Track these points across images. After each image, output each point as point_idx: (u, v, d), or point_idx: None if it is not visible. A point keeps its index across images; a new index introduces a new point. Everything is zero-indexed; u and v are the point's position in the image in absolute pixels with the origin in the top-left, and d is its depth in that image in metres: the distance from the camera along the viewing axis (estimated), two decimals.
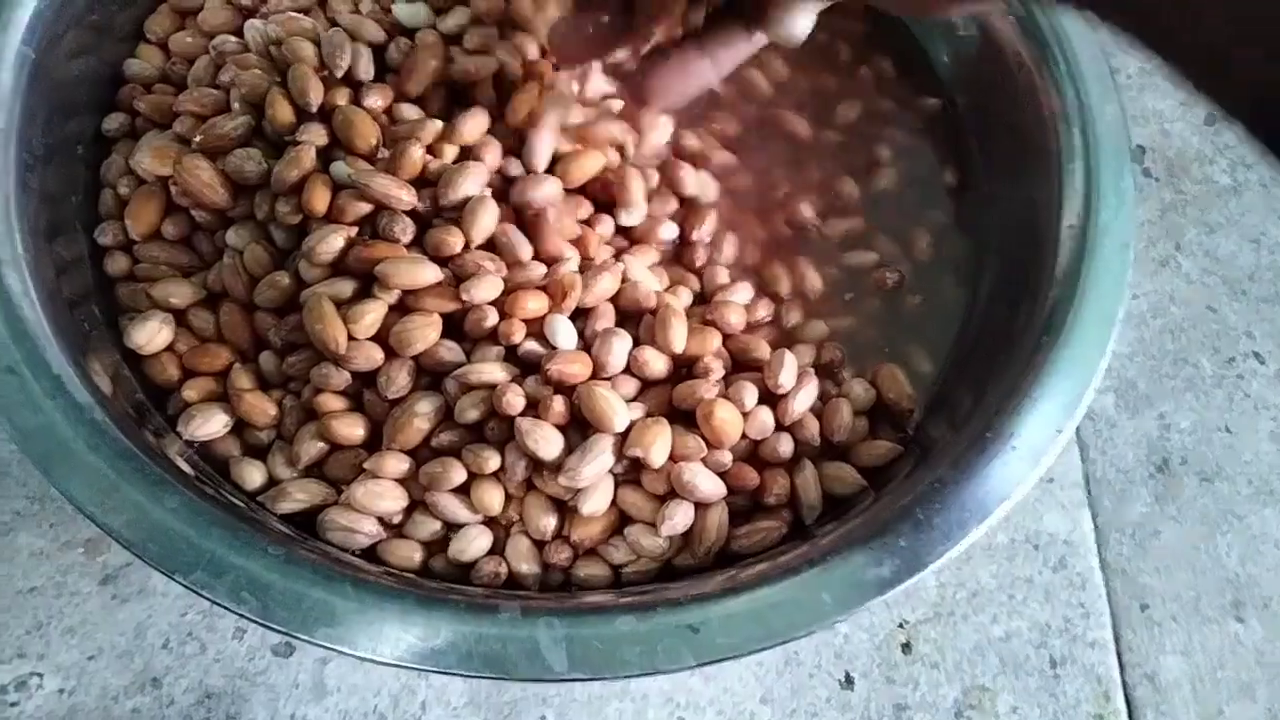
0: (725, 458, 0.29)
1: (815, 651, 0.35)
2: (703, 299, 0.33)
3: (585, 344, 0.30)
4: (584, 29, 0.28)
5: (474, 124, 0.32)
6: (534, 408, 0.28)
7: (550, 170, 0.32)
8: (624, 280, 0.31)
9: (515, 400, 0.28)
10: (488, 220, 0.30)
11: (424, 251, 0.30)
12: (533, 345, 0.29)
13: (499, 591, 0.28)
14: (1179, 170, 0.48)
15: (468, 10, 0.34)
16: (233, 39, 0.34)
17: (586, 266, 0.31)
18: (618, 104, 0.34)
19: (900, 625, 0.36)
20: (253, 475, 0.30)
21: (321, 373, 0.29)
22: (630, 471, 0.29)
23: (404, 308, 0.30)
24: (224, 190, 0.31)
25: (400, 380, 0.29)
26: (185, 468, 0.28)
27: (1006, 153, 0.37)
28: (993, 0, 0.32)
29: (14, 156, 0.31)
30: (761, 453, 0.30)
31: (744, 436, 0.30)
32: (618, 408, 0.28)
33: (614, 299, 0.31)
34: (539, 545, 0.29)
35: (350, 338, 0.29)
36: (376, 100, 0.32)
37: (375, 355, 0.29)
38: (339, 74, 0.32)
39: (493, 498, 0.28)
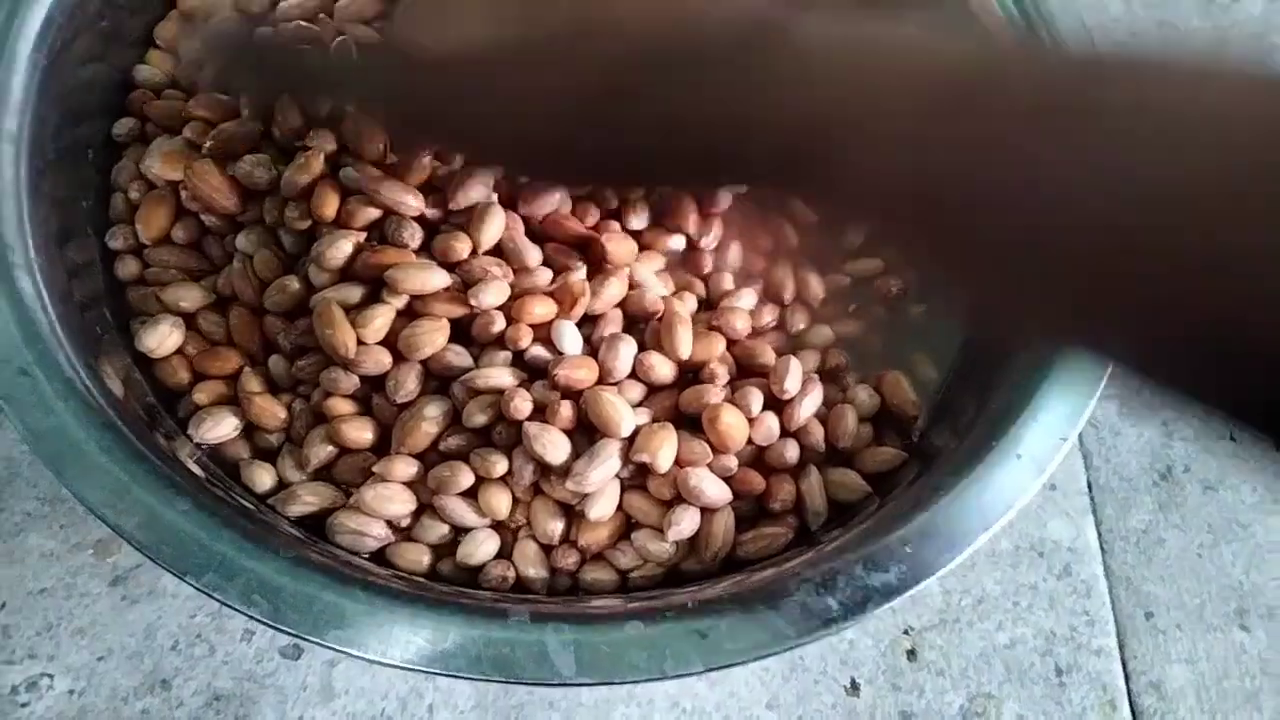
0: (731, 463, 0.29)
1: (821, 657, 0.36)
2: (708, 304, 0.33)
3: (592, 349, 0.30)
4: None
5: None
6: (541, 412, 0.29)
7: None
8: (631, 286, 0.31)
9: (522, 405, 0.28)
10: (495, 226, 0.30)
11: (432, 257, 0.30)
12: (540, 350, 0.30)
13: (507, 595, 0.28)
14: None
15: None
16: None
17: (594, 272, 0.31)
18: None
19: (906, 632, 0.36)
20: (263, 478, 0.30)
21: (330, 377, 0.30)
22: (636, 476, 0.29)
23: (412, 313, 0.30)
24: (234, 195, 0.32)
25: (409, 384, 0.29)
26: (196, 470, 0.29)
27: None
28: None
29: (25, 162, 0.31)
30: (767, 458, 0.30)
31: (750, 442, 0.30)
32: (624, 413, 0.28)
33: (620, 304, 0.31)
34: (546, 549, 0.29)
35: (359, 342, 0.29)
36: None
37: (384, 359, 0.29)
38: None
39: (500, 502, 0.29)
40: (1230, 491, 0.40)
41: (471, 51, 0.24)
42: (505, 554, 0.29)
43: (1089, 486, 0.40)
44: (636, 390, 0.30)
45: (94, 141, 0.35)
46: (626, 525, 0.29)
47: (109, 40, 0.35)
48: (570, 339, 0.30)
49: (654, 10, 0.22)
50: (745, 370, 0.31)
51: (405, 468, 0.29)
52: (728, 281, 0.33)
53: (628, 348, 0.30)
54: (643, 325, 0.31)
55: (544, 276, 0.31)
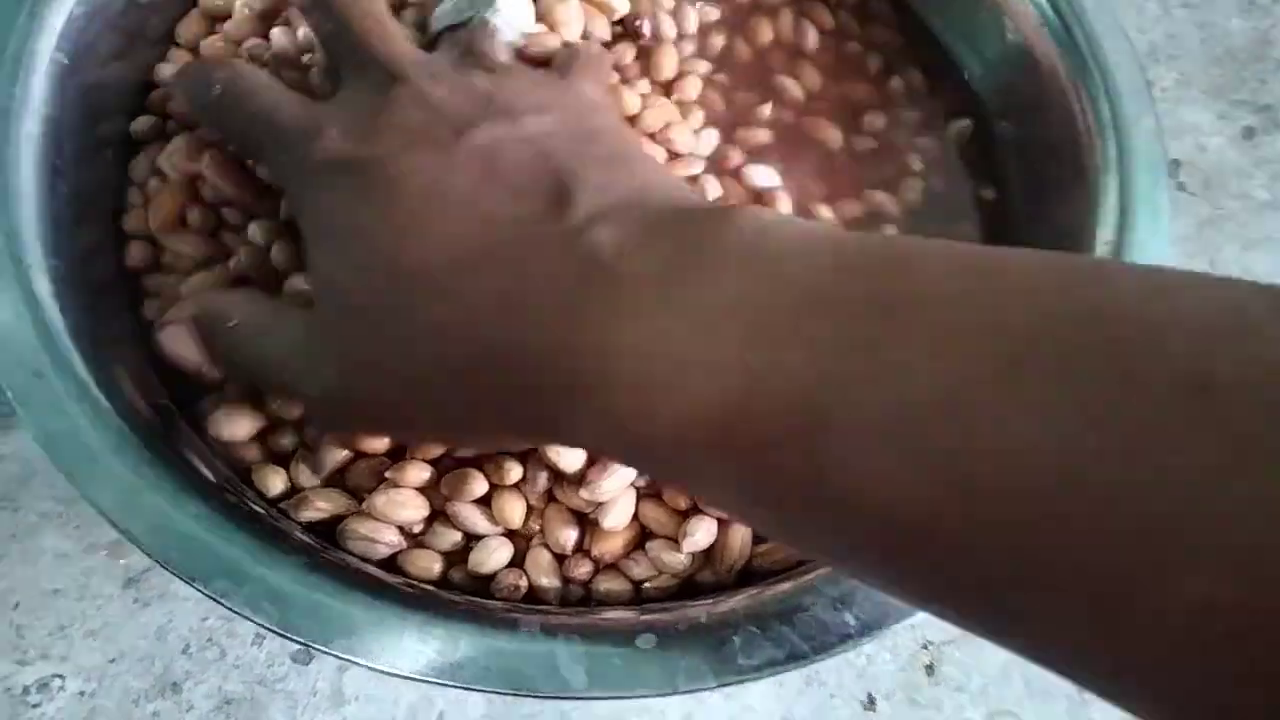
0: None
1: (837, 672, 0.35)
2: None
3: None
4: None
5: None
6: None
7: None
8: None
9: None
10: None
11: None
12: None
13: (518, 605, 0.27)
14: (1216, 185, 0.47)
15: None
16: (264, 42, 0.35)
17: None
18: None
19: (924, 646, 0.36)
20: (274, 482, 0.30)
21: None
22: (652, 485, 0.29)
23: None
24: (250, 188, 0.31)
25: None
26: (207, 473, 0.28)
27: (1039, 166, 0.36)
28: None
29: (45, 161, 0.31)
30: None
31: None
32: None
33: None
34: (559, 559, 0.29)
35: None
36: None
37: None
38: None
39: (514, 510, 0.28)
40: None
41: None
42: (518, 563, 0.29)
43: None
44: None
45: (113, 141, 0.35)
46: (641, 535, 0.29)
47: (130, 39, 0.35)
48: None
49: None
50: None
51: (418, 473, 0.29)
52: None
53: None
54: None
55: None
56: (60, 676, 0.33)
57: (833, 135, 0.37)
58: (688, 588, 0.29)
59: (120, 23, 0.34)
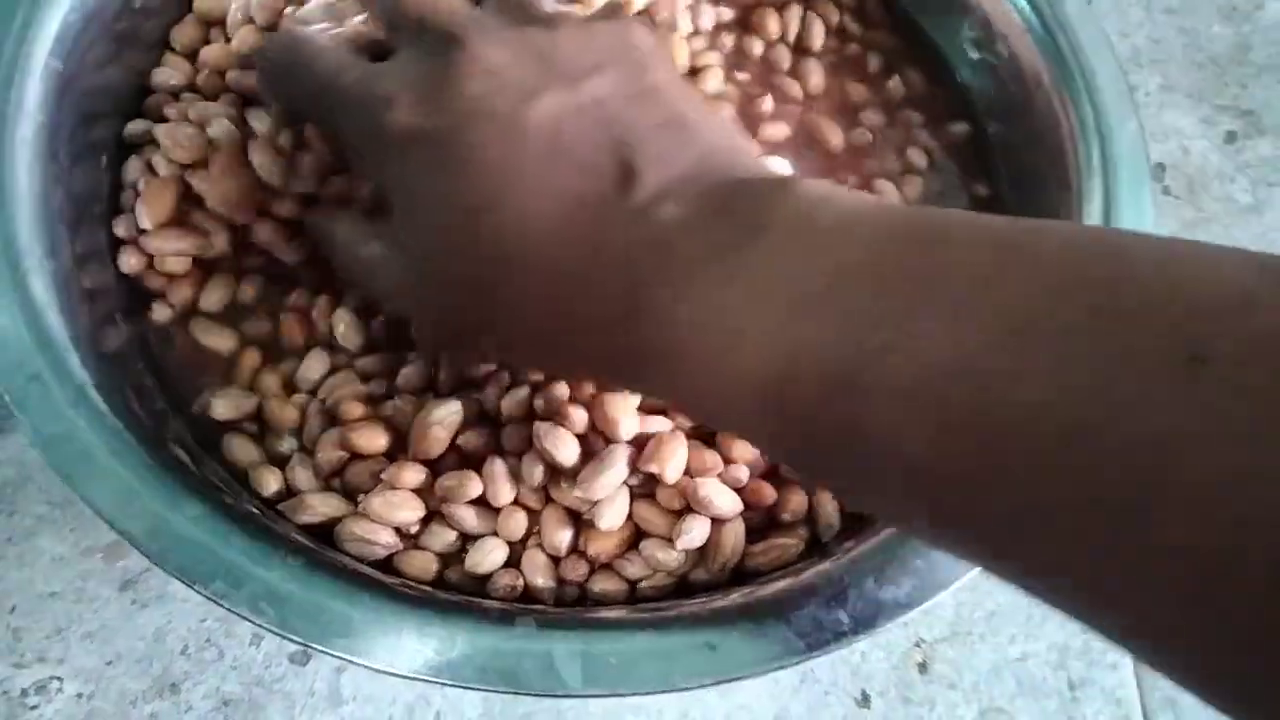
0: (742, 474, 0.29)
1: (832, 669, 0.35)
2: None
3: None
4: None
5: None
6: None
7: None
8: None
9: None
10: None
11: None
12: None
13: (515, 605, 0.28)
14: (1199, 188, 0.47)
15: None
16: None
17: None
18: None
19: (917, 644, 0.36)
20: (269, 481, 0.30)
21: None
22: (646, 485, 0.29)
23: None
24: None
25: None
26: (205, 475, 0.29)
27: (1027, 167, 0.37)
28: None
29: (40, 165, 0.31)
30: (781, 470, 0.30)
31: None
32: (628, 417, 0.28)
33: None
34: (555, 559, 0.29)
35: None
36: None
37: None
38: None
39: (517, 523, 0.29)
40: None
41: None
42: (514, 563, 0.29)
43: None
44: None
45: (107, 144, 0.35)
46: (635, 535, 0.29)
47: (124, 44, 0.35)
48: None
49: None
50: None
51: (414, 474, 0.29)
52: None
53: None
54: None
55: None
56: (58, 679, 0.33)
57: (834, 133, 0.37)
58: (683, 587, 0.29)
59: (114, 28, 0.34)
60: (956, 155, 0.38)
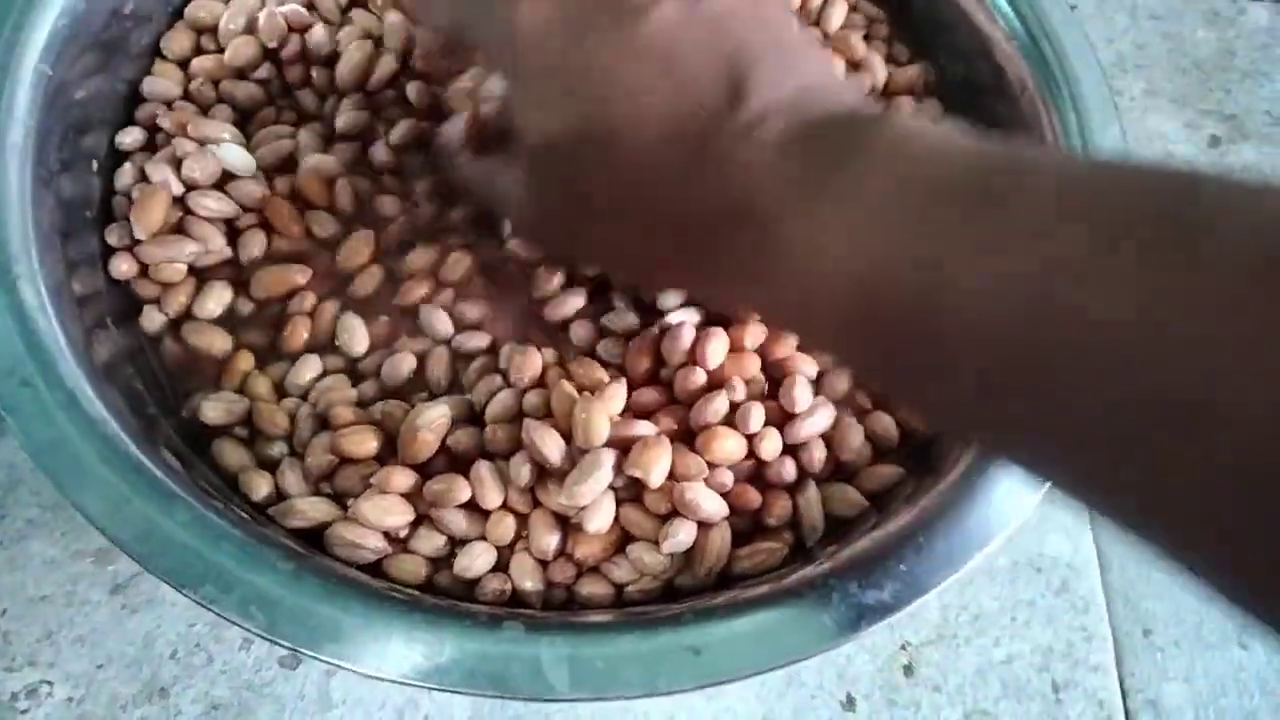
0: (727, 478, 0.29)
1: (818, 672, 0.36)
2: None
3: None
4: None
5: None
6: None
7: None
8: None
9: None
10: None
11: None
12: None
13: (503, 609, 0.28)
14: None
15: None
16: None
17: None
18: None
19: (902, 647, 0.36)
20: (259, 485, 0.30)
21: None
22: (632, 488, 0.29)
23: None
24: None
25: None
26: (195, 480, 0.29)
27: None
28: None
29: (30, 172, 0.31)
30: (766, 475, 0.30)
31: (751, 457, 0.30)
32: (602, 422, 0.29)
33: None
34: (543, 563, 0.29)
35: None
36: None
37: None
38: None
39: (505, 528, 0.29)
40: None
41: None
42: (502, 567, 0.29)
43: None
44: (650, 395, 0.30)
45: (98, 152, 0.35)
46: (622, 539, 0.29)
47: (114, 52, 0.35)
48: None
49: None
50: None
51: (403, 478, 0.29)
52: None
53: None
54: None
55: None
56: (48, 683, 0.33)
57: None
58: (669, 591, 0.29)
59: (103, 35, 0.35)
60: None
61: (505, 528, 0.29)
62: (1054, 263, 0.17)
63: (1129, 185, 0.18)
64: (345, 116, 0.35)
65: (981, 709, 0.36)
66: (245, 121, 0.36)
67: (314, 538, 0.29)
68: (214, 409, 0.31)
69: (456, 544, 0.29)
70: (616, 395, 0.30)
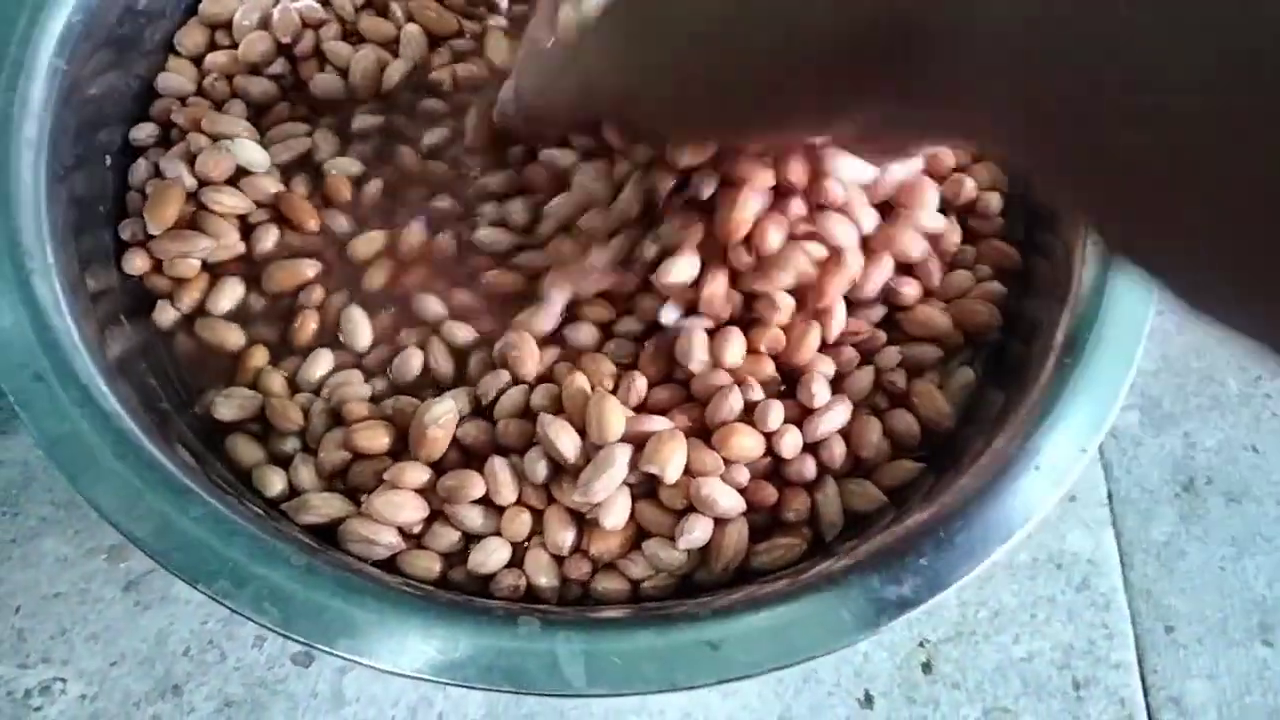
0: (742, 475, 0.29)
1: (835, 669, 0.35)
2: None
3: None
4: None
5: None
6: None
7: None
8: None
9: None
10: None
11: None
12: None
13: (518, 604, 0.28)
14: None
15: None
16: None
17: None
18: None
19: (921, 644, 0.36)
20: (274, 482, 0.30)
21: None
22: (647, 484, 0.29)
23: None
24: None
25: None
26: (209, 476, 0.29)
27: None
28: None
29: (45, 167, 0.31)
30: (784, 472, 0.30)
31: (769, 453, 0.29)
32: (616, 418, 0.28)
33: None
34: (558, 559, 0.29)
35: None
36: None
37: None
38: None
39: (520, 524, 0.29)
40: (1254, 504, 0.40)
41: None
42: (517, 563, 0.29)
43: (1109, 498, 0.39)
44: (665, 393, 0.30)
45: (111, 147, 0.35)
46: (638, 535, 0.29)
47: (128, 47, 0.35)
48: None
49: None
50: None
51: (417, 474, 0.29)
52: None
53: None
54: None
55: None
56: (62, 680, 0.33)
57: None
58: (685, 587, 0.29)
59: (118, 30, 0.35)
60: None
61: (520, 524, 0.29)
62: None
63: None
64: (360, 120, 0.35)
65: (1001, 706, 0.35)
66: (259, 116, 0.36)
67: (327, 534, 0.29)
68: (227, 405, 0.31)
69: (471, 540, 0.29)
70: (635, 384, 0.30)
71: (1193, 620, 0.37)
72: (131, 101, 0.36)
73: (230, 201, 0.33)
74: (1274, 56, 0.14)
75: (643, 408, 0.30)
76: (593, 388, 0.29)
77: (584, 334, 0.31)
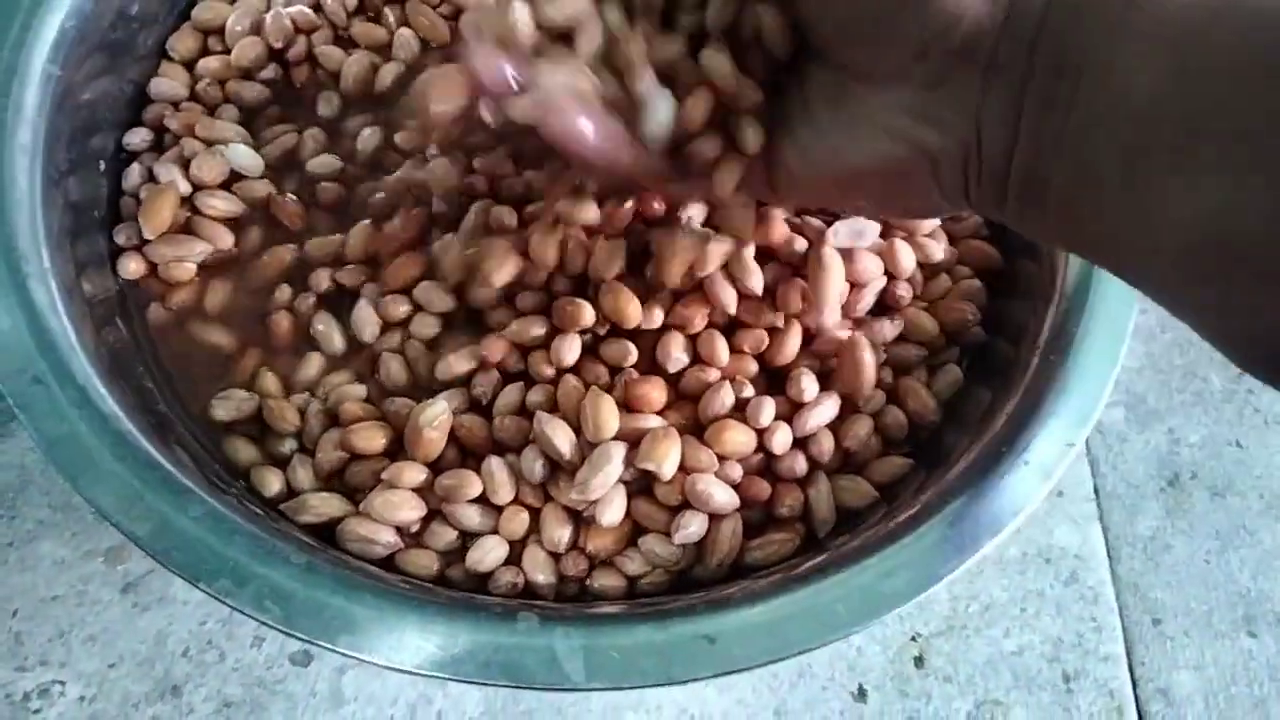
0: (736, 471, 0.29)
1: (829, 664, 0.36)
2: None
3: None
4: None
5: None
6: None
7: None
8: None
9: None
10: None
11: None
12: None
13: (516, 601, 0.28)
14: None
15: None
16: None
17: None
18: None
19: (913, 638, 0.37)
20: (271, 482, 0.30)
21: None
22: (642, 481, 0.29)
23: None
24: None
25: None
26: (207, 476, 0.29)
27: None
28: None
29: (40, 172, 0.31)
30: (776, 468, 0.30)
31: (760, 449, 0.30)
32: (610, 417, 0.29)
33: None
34: (555, 556, 0.29)
35: None
36: None
37: None
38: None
39: (518, 523, 0.29)
40: (1238, 498, 0.40)
41: None
42: (514, 560, 0.29)
43: (1096, 493, 0.40)
44: (658, 392, 0.30)
45: (105, 152, 0.35)
46: (634, 531, 0.29)
47: (121, 52, 0.36)
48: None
49: None
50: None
51: (414, 474, 0.29)
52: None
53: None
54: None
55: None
56: (60, 682, 0.33)
57: None
58: (681, 583, 0.29)
59: (111, 36, 0.35)
60: None
61: (517, 522, 0.29)
62: None
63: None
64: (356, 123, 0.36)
65: (993, 699, 0.36)
66: (250, 121, 0.36)
67: (326, 533, 0.29)
68: (224, 406, 0.31)
69: (468, 538, 0.29)
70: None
71: (1179, 613, 0.38)
72: (125, 106, 0.36)
73: (223, 206, 0.33)
74: None
75: (636, 406, 0.30)
76: (587, 386, 0.30)
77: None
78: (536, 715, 0.34)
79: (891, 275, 0.32)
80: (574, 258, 0.31)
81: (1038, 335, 0.30)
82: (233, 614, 0.25)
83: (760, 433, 0.30)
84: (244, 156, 0.34)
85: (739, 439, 0.29)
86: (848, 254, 0.31)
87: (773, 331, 0.31)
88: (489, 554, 0.29)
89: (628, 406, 0.29)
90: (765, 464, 0.30)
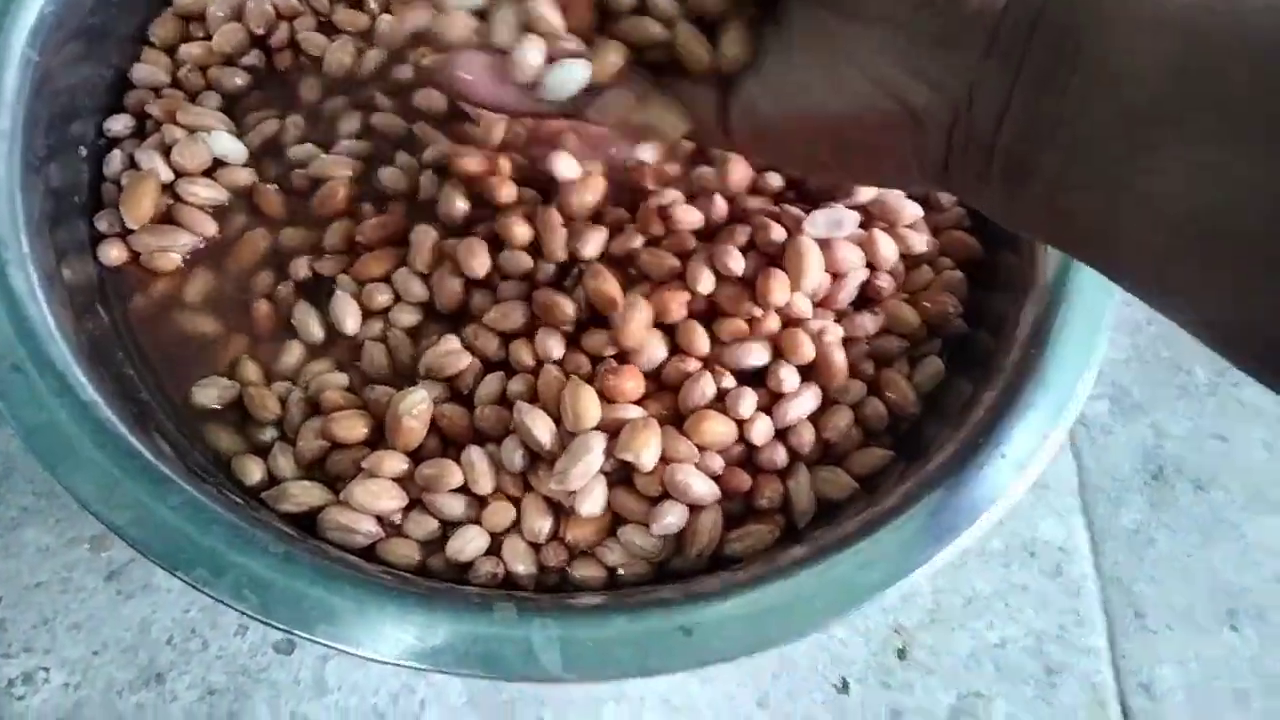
0: (716, 462, 0.29)
1: (811, 656, 0.36)
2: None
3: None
4: None
5: None
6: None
7: None
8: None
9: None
10: None
11: None
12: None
13: (496, 591, 0.28)
14: None
15: None
16: None
17: None
18: None
19: (896, 631, 0.37)
20: (252, 471, 0.30)
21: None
22: (622, 472, 0.29)
23: None
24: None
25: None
26: (187, 465, 0.29)
27: None
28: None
29: (19, 158, 0.31)
30: (756, 459, 0.30)
31: (741, 441, 0.30)
32: (591, 406, 0.29)
33: None
34: (535, 546, 0.29)
35: None
36: None
37: None
38: None
39: (498, 513, 0.29)
40: (1221, 491, 0.40)
41: None
42: (495, 550, 0.29)
43: (1080, 486, 0.40)
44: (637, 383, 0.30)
45: (85, 138, 0.35)
46: (614, 522, 0.29)
47: (101, 38, 0.35)
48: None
49: None
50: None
51: (395, 463, 0.29)
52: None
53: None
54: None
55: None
56: (45, 669, 0.33)
57: None
58: (661, 574, 0.29)
59: (90, 21, 0.34)
60: None
61: (498, 512, 0.29)
62: None
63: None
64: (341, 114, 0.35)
65: (975, 691, 0.36)
66: (232, 108, 0.36)
67: (306, 522, 0.29)
68: (205, 394, 0.31)
69: (449, 527, 0.29)
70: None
71: (1162, 606, 0.38)
72: (105, 92, 0.36)
73: (206, 194, 0.33)
74: None
75: (614, 397, 0.30)
76: (568, 376, 0.30)
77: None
78: (518, 704, 0.34)
79: (873, 267, 0.32)
80: (552, 241, 0.31)
81: (1017, 328, 0.30)
82: (216, 602, 0.25)
83: (740, 424, 0.30)
84: (226, 143, 0.34)
85: (719, 430, 0.29)
86: (826, 244, 0.31)
87: (751, 322, 0.31)
88: (469, 544, 0.29)
89: (606, 397, 0.29)
90: (745, 455, 0.30)
